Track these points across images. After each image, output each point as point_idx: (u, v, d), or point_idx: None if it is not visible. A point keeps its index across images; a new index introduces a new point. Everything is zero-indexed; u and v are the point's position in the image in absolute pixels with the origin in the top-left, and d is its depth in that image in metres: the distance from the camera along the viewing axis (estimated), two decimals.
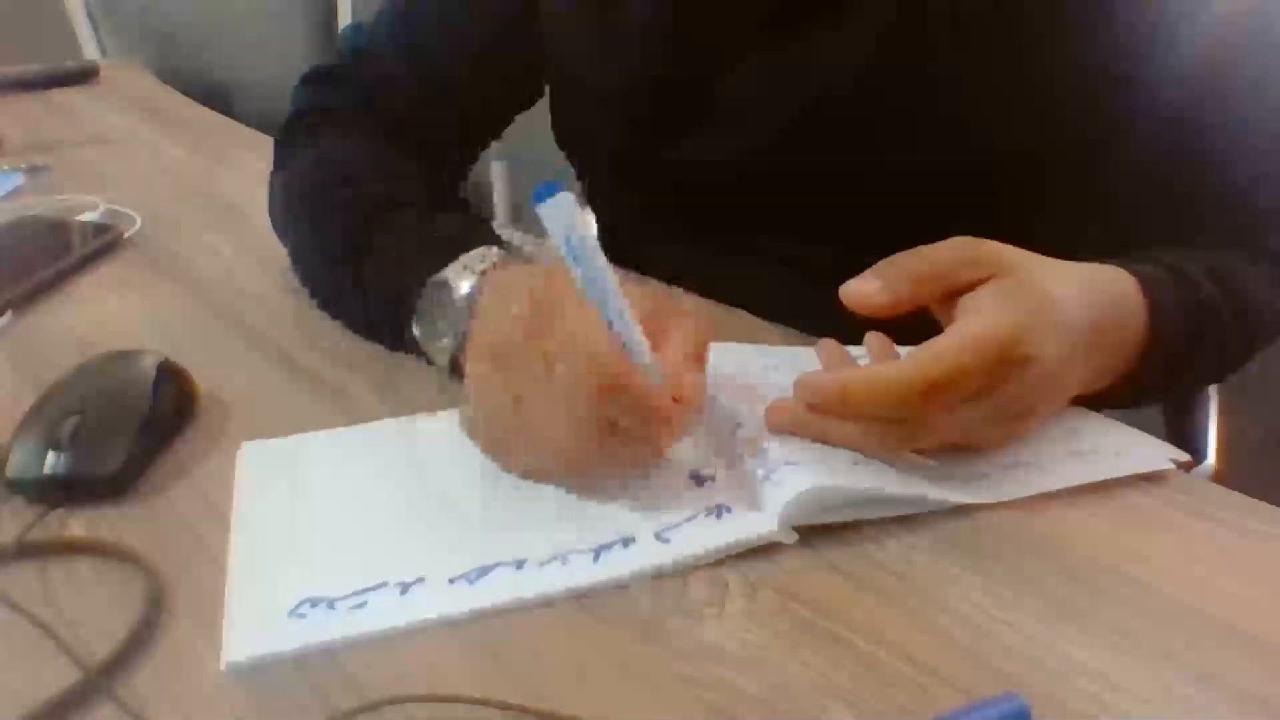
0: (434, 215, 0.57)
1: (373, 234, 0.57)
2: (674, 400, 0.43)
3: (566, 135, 0.73)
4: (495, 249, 0.52)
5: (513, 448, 0.45)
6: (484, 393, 0.45)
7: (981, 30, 0.55)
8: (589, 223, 0.42)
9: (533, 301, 0.45)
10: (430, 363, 0.53)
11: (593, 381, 0.41)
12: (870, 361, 0.49)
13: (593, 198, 0.78)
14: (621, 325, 0.42)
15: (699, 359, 0.46)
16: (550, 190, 0.40)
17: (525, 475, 0.45)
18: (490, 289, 0.49)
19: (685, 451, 0.46)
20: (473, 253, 0.51)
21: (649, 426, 0.42)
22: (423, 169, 0.67)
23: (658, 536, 0.42)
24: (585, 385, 0.41)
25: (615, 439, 0.42)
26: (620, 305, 0.42)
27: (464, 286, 0.50)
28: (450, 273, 0.51)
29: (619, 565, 0.40)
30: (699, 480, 0.45)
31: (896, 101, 0.58)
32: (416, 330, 0.53)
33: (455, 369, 0.50)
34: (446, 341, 0.51)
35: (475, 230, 0.54)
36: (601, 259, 0.41)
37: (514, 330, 0.44)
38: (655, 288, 0.46)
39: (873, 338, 0.50)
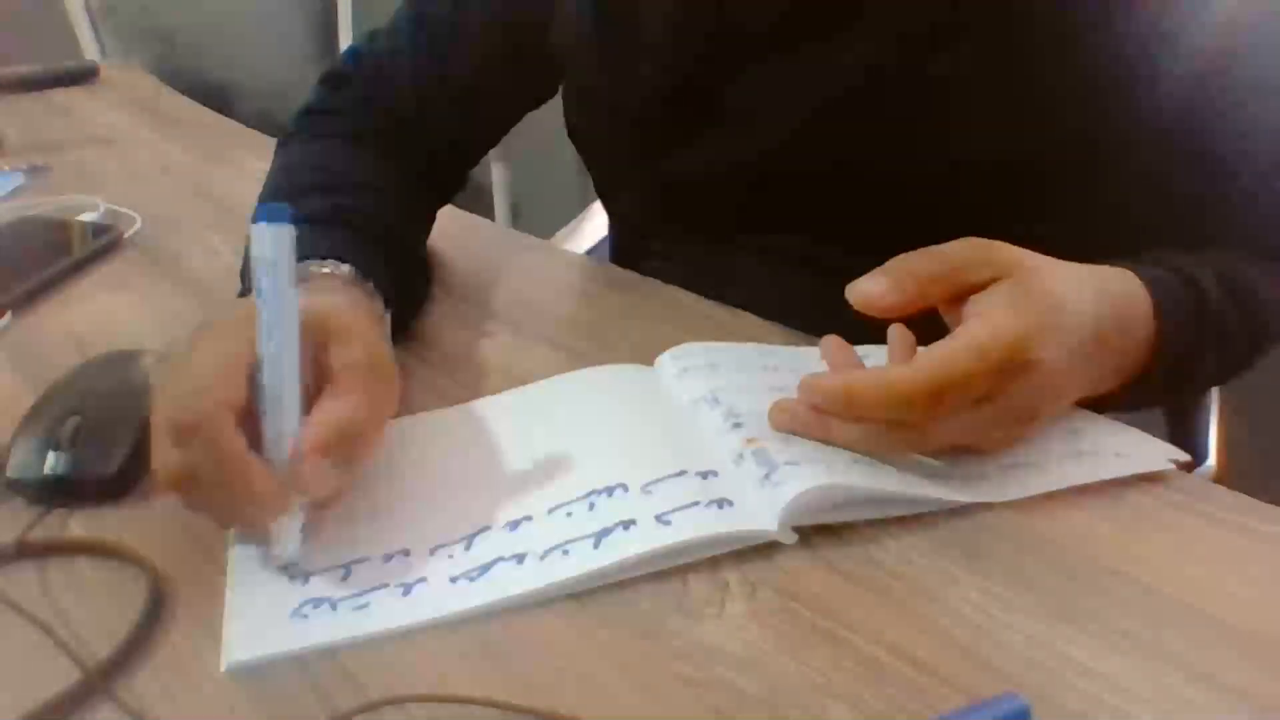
0: (328, 234, 0.56)
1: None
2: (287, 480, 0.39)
3: (578, 134, 0.73)
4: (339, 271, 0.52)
5: None
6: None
7: (987, 35, 0.55)
8: (291, 265, 0.40)
9: (219, 323, 0.44)
10: None
11: (168, 412, 0.39)
12: (888, 356, 0.49)
13: (601, 193, 0.79)
14: (273, 376, 0.39)
15: (343, 449, 0.41)
16: (273, 215, 0.39)
17: None
18: None
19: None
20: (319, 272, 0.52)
21: (226, 489, 0.39)
22: (389, 171, 0.67)
23: (658, 519, 0.42)
24: (164, 413, 0.39)
25: (191, 483, 0.39)
26: (286, 358, 0.40)
27: None
28: None
29: (620, 549, 0.40)
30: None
31: (904, 105, 0.58)
32: None
33: None
34: None
35: (339, 258, 0.54)
36: (294, 305, 0.40)
37: (190, 338, 0.43)
38: (371, 360, 0.43)
39: (896, 331, 0.48)
